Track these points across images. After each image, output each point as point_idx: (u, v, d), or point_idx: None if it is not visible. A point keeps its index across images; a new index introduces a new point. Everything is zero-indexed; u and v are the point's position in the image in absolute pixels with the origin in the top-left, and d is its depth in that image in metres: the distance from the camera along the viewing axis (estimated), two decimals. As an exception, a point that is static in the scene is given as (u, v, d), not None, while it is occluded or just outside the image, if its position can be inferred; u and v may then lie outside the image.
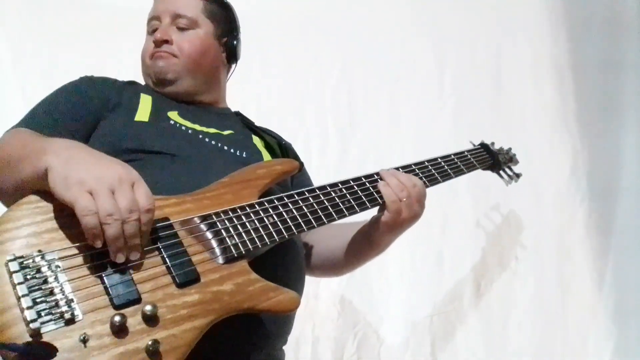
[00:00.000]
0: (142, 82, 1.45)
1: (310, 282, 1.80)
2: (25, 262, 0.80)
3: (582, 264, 2.13)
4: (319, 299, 1.96)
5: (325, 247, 1.42)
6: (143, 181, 0.90)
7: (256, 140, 1.41)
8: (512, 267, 2.10)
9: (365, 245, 1.32)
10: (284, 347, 1.26)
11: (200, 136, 1.29)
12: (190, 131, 1.29)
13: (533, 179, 2.13)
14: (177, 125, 1.30)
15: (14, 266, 0.79)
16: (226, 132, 1.35)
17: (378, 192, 1.23)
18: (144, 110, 1.30)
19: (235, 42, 1.53)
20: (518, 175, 1.76)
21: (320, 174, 1.68)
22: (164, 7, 1.43)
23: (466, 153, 1.55)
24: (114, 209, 0.83)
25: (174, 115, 1.32)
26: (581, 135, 2.23)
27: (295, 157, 1.45)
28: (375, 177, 1.26)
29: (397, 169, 1.30)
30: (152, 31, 1.43)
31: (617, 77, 2.26)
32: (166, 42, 1.39)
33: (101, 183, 0.84)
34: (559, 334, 2.05)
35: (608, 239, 2.15)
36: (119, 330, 0.79)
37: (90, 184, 0.84)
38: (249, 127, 1.47)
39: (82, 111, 1.24)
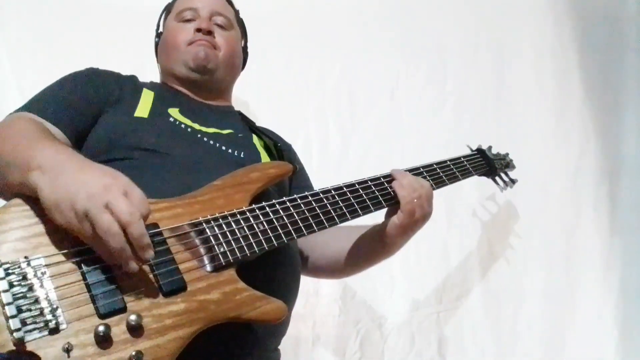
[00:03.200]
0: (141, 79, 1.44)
1: (311, 279, 1.80)
2: (11, 269, 0.79)
3: (590, 261, 2.10)
4: (319, 295, 1.93)
5: (332, 248, 1.41)
6: (134, 185, 0.88)
7: (256, 140, 1.41)
8: (520, 263, 2.07)
9: (377, 247, 1.31)
10: (279, 347, 1.26)
11: (199, 135, 1.29)
12: (189, 129, 1.29)
13: (539, 175, 2.12)
14: (177, 122, 1.29)
15: (-1, 273, 0.78)
16: (226, 132, 1.35)
17: (385, 195, 1.24)
18: (144, 105, 1.30)
19: (247, 51, 1.66)
20: (513, 181, 1.76)
21: (321, 172, 1.67)
22: (203, 3, 1.50)
23: (462, 159, 1.54)
24: (112, 224, 0.81)
25: (174, 112, 1.32)
26: (586, 130, 2.21)
27: (291, 160, 1.44)
28: (378, 181, 1.26)
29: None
30: (185, 20, 1.48)
31: (620, 71, 2.24)
32: (210, 33, 1.45)
33: (93, 201, 0.82)
34: (569, 331, 2.03)
35: (615, 236, 2.13)
36: (103, 340, 0.79)
37: (82, 206, 0.82)
38: (250, 126, 1.47)
39: (86, 102, 1.24)
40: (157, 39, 1.58)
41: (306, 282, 1.72)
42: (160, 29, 1.58)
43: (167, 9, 1.58)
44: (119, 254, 0.82)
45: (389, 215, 1.27)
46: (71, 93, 1.24)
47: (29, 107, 1.18)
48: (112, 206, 0.82)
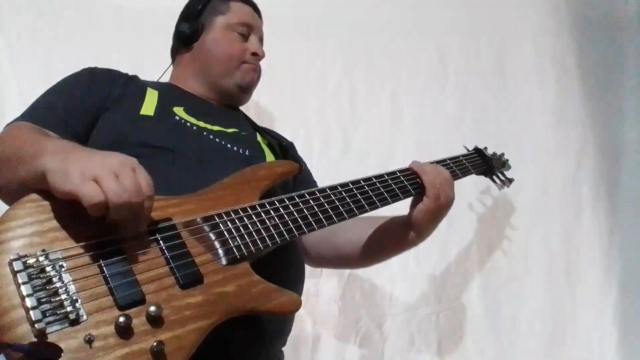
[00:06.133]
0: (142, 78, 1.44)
1: (310, 278, 1.80)
2: (29, 262, 0.80)
3: (590, 261, 2.13)
4: (319, 295, 1.93)
5: (359, 234, 1.41)
6: (142, 167, 0.90)
7: (260, 139, 1.43)
8: (520, 263, 2.09)
9: (405, 236, 1.32)
10: (282, 348, 1.27)
11: (205, 133, 1.30)
12: (194, 128, 1.30)
13: (539, 175, 2.14)
14: (183, 121, 1.30)
15: (18, 265, 0.78)
16: (230, 130, 1.36)
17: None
18: (149, 104, 1.31)
19: None
20: (510, 180, 1.78)
21: (322, 171, 1.67)
22: (257, 24, 1.56)
23: (461, 158, 1.55)
24: (122, 189, 0.83)
25: (179, 111, 1.33)
26: (585, 131, 2.23)
27: (295, 158, 1.46)
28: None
29: (394, 172, 1.31)
30: (241, 35, 1.50)
31: (620, 73, 2.27)
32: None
33: (104, 168, 0.84)
34: (569, 331, 2.05)
35: (614, 235, 2.15)
36: (124, 331, 0.79)
37: (92, 171, 0.83)
38: (253, 126, 1.49)
39: (83, 104, 1.24)
40: (190, 29, 1.50)
41: (306, 282, 1.71)
42: (202, 21, 1.51)
43: (218, 8, 1.52)
44: (125, 219, 0.85)
45: (414, 205, 1.29)
46: (69, 97, 1.24)
47: (27, 116, 1.18)
48: (121, 178, 0.84)
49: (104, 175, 0.83)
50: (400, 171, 1.31)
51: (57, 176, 0.84)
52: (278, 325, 1.17)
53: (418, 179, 1.29)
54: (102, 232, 0.86)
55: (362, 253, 1.41)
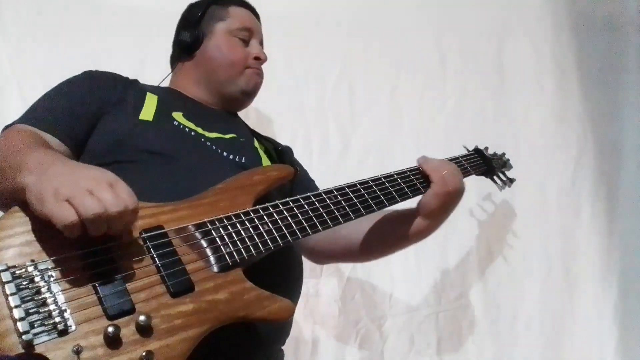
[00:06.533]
0: (141, 81, 1.43)
1: (310, 279, 1.81)
2: (17, 272, 0.79)
3: (589, 261, 2.12)
4: (319, 295, 1.93)
5: (366, 227, 1.39)
6: (122, 181, 0.88)
7: (257, 145, 1.42)
8: (519, 263, 2.09)
9: (418, 226, 1.30)
10: (282, 347, 1.26)
11: (202, 140, 1.29)
12: (193, 133, 1.29)
13: (538, 175, 2.14)
14: (181, 126, 1.30)
15: (6, 276, 0.78)
16: (228, 136, 1.35)
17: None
18: (149, 109, 1.30)
19: None
20: (512, 181, 1.76)
21: (321, 172, 1.67)
22: (257, 28, 1.55)
23: (460, 159, 1.54)
24: (95, 204, 0.81)
25: (178, 116, 1.32)
26: (585, 132, 2.22)
27: (292, 163, 1.45)
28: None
29: (394, 173, 1.30)
30: (242, 40, 1.50)
31: (619, 73, 2.26)
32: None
33: (76, 187, 0.82)
34: (568, 332, 2.05)
35: (614, 236, 2.14)
36: (113, 341, 0.79)
37: (65, 192, 0.81)
38: (251, 131, 1.49)
39: (83, 108, 1.23)
40: (191, 38, 1.49)
41: (306, 282, 1.72)
42: (202, 28, 1.49)
43: (218, 14, 1.51)
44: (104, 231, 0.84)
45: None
46: (68, 100, 1.24)
47: (26, 118, 1.18)
48: (96, 193, 0.82)
49: (76, 194, 0.81)
50: (398, 173, 1.31)
51: (32, 198, 0.83)
52: (275, 328, 1.17)
53: (414, 180, 1.29)
54: (91, 241, 0.85)
55: (369, 245, 1.40)
